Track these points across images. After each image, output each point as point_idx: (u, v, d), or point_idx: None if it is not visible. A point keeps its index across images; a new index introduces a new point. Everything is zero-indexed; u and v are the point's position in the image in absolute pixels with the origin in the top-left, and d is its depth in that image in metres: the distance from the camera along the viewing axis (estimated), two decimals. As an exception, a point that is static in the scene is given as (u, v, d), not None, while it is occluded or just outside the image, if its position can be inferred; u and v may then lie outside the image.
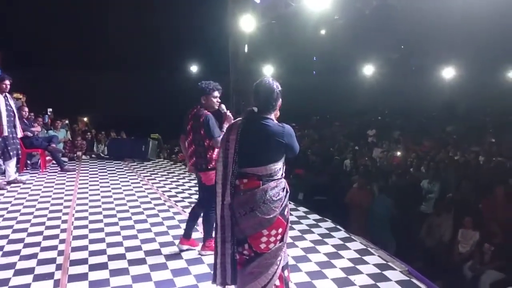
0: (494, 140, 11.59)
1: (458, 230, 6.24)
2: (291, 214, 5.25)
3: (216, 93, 3.91)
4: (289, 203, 5.80)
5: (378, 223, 6.84)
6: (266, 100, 2.67)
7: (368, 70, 18.27)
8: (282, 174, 2.70)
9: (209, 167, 3.81)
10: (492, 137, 11.91)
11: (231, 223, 2.62)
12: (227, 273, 2.64)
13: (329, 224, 5.11)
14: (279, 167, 2.66)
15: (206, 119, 3.79)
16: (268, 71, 15.89)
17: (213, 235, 3.87)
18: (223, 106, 3.95)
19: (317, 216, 5.39)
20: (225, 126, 3.86)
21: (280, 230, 2.63)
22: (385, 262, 3.99)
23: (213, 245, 3.83)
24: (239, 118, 2.79)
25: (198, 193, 4.20)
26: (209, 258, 3.83)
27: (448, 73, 16.49)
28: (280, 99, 2.74)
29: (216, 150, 3.82)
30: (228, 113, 3.90)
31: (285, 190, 2.68)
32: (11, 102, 6.63)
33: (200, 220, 4.11)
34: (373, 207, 7.05)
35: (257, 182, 2.59)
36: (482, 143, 11.36)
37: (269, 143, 2.60)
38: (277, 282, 2.66)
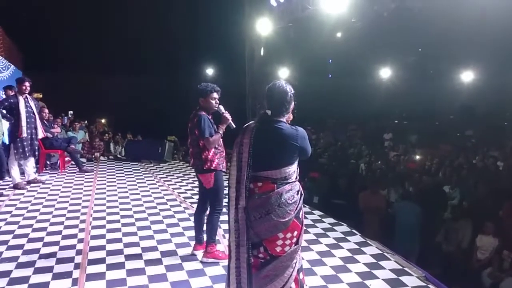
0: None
1: (477, 236, 6.14)
2: (306, 218, 5.28)
3: (215, 95, 3.90)
4: (304, 206, 5.82)
5: (405, 232, 6.62)
6: (279, 103, 2.67)
7: (385, 73, 18.10)
8: (296, 177, 2.70)
9: (204, 168, 3.80)
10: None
11: (246, 227, 2.60)
12: (242, 278, 2.62)
13: (344, 228, 5.08)
14: (293, 170, 2.66)
15: (199, 119, 3.79)
16: (283, 74, 15.86)
17: (216, 240, 3.92)
18: (221, 107, 3.96)
19: (332, 220, 5.36)
20: (222, 127, 3.90)
21: (295, 233, 2.63)
22: (401, 268, 3.95)
23: (216, 252, 3.86)
24: (252, 121, 2.78)
25: (199, 195, 4.20)
26: (215, 265, 3.85)
27: (467, 76, 16.24)
28: (293, 103, 2.74)
29: (212, 151, 3.82)
30: (226, 114, 3.92)
31: (299, 193, 2.67)
32: (32, 104, 6.77)
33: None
34: (398, 215, 6.86)
35: (271, 185, 2.59)
36: (502, 147, 11.14)
37: (283, 146, 2.60)
38: (293, 285, 2.65)
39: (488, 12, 8.20)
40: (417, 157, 10.71)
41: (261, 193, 2.59)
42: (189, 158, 4.08)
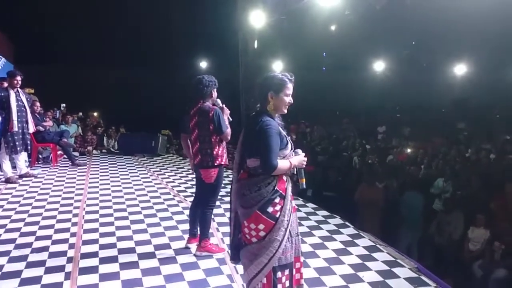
0: (509, 137, 11.42)
1: (469, 228, 6.20)
2: (299, 210, 5.30)
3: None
4: (297, 198, 5.84)
5: (411, 222, 6.78)
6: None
7: (379, 66, 18.13)
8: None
9: (215, 164, 3.77)
10: (506, 134, 11.74)
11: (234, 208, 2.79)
12: (230, 249, 2.86)
13: (337, 220, 5.10)
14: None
15: (216, 114, 3.74)
16: (277, 67, 15.83)
17: (209, 235, 3.93)
18: (219, 100, 3.96)
19: (325, 213, 5.38)
20: (226, 119, 3.88)
21: (261, 227, 2.57)
22: (393, 259, 3.98)
23: (209, 245, 3.89)
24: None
25: (195, 190, 4.16)
26: (208, 258, 3.86)
27: (460, 69, 16.32)
28: (281, 95, 2.71)
29: (222, 146, 3.81)
30: (225, 108, 3.92)
31: (270, 186, 2.58)
32: (23, 98, 6.70)
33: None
34: (405, 208, 6.95)
35: (245, 174, 2.69)
36: (494, 140, 11.22)
37: (250, 135, 2.69)
38: (264, 280, 2.60)
39: (481, 5, 8.22)
40: (409, 150, 10.76)
41: (238, 179, 2.73)
42: (191, 155, 3.95)
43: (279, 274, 2.63)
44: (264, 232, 2.58)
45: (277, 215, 2.59)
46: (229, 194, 2.89)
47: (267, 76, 2.72)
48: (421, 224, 6.80)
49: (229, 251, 2.93)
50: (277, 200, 2.58)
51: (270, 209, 2.58)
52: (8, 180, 6.55)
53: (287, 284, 2.68)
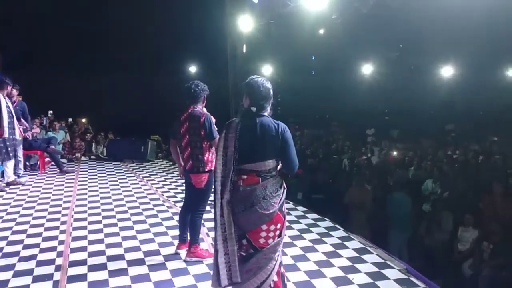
0: (496, 138, 11.59)
1: (458, 228, 6.26)
2: (289, 214, 5.32)
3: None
4: (288, 202, 5.85)
5: (399, 223, 6.78)
6: (262, 98, 2.75)
7: (367, 69, 18.24)
8: (279, 171, 2.77)
9: (206, 170, 3.75)
10: (493, 135, 11.91)
11: (232, 220, 2.65)
12: (233, 272, 2.63)
13: (327, 223, 5.11)
14: (276, 163, 2.73)
15: (207, 119, 3.74)
16: (267, 71, 15.86)
17: (199, 240, 3.90)
18: (204, 108, 3.96)
19: (316, 216, 5.39)
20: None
21: (278, 226, 2.69)
22: (383, 261, 4.00)
23: (199, 251, 3.84)
24: (235, 118, 2.84)
25: (185, 195, 4.12)
26: (198, 264, 3.82)
27: (447, 71, 16.49)
28: (272, 97, 2.81)
29: (212, 151, 3.80)
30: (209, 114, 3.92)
31: (282, 186, 2.74)
32: (10, 104, 6.66)
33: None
34: (390, 205, 6.98)
35: (256, 178, 2.65)
36: (482, 141, 11.37)
37: (265, 139, 2.67)
38: (275, 278, 2.69)
39: (468, 7, 8.33)
40: (397, 152, 10.85)
41: (245, 185, 2.65)
42: (181, 160, 3.91)
43: (282, 268, 2.77)
44: (279, 231, 2.69)
45: (285, 212, 2.74)
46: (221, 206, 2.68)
47: (266, 80, 2.79)
48: (410, 224, 6.83)
49: (229, 275, 2.63)
50: (284, 197, 2.73)
51: (283, 207, 2.72)
52: None
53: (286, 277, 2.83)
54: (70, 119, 12.71)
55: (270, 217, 2.63)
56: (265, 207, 2.60)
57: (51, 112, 12.11)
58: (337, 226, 5.01)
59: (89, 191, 6.60)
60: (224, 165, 2.68)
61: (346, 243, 4.45)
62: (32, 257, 4.02)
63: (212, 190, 2.94)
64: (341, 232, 4.79)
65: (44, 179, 7.42)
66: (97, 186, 6.95)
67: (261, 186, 2.63)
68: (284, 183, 2.77)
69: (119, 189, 6.77)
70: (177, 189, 6.84)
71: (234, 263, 2.64)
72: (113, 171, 8.26)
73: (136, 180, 7.49)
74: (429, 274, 3.94)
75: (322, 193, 8.15)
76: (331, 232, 4.77)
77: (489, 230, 5.89)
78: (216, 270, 2.68)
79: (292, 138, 2.75)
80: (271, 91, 2.79)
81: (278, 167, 2.76)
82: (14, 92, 6.92)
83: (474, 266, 5.70)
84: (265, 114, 2.76)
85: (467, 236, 6.12)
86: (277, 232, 2.69)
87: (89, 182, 7.21)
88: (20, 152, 7.05)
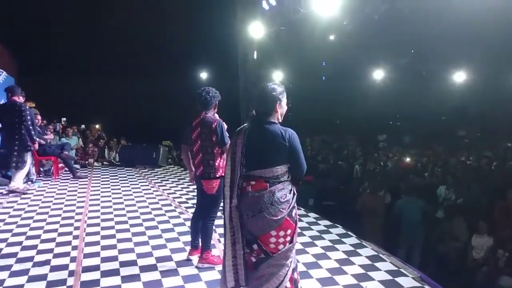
0: (510, 144, 11.42)
1: (472, 235, 6.17)
2: (301, 220, 5.29)
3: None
4: (299, 208, 5.82)
5: (410, 228, 6.75)
6: (265, 104, 2.76)
7: (378, 75, 18.17)
8: (288, 177, 2.76)
9: (217, 176, 3.75)
10: (507, 141, 11.75)
11: (239, 225, 2.68)
12: (240, 275, 2.70)
13: (340, 230, 5.08)
14: (285, 169, 2.73)
15: (219, 125, 3.74)
16: (277, 77, 15.89)
17: (211, 247, 3.88)
18: (216, 114, 3.97)
19: (327, 222, 5.36)
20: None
21: (288, 232, 2.68)
22: (397, 269, 3.95)
23: (211, 257, 3.83)
24: (245, 124, 2.86)
25: (196, 201, 4.12)
26: (210, 270, 3.81)
27: (459, 76, 16.34)
28: (280, 102, 2.78)
29: (223, 157, 3.79)
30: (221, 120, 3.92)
31: (292, 192, 2.74)
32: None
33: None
34: (403, 211, 6.93)
35: (264, 184, 2.67)
36: (496, 147, 11.23)
37: (273, 146, 2.68)
38: (288, 284, 2.68)
39: (479, 12, 8.27)
40: (410, 158, 10.76)
41: (254, 191, 2.67)
42: (193, 165, 3.91)
43: (295, 274, 2.76)
44: (290, 237, 2.68)
45: (296, 218, 2.73)
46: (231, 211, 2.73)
47: (273, 86, 2.78)
48: (421, 229, 6.77)
49: (236, 277, 2.69)
50: (295, 203, 2.73)
51: (293, 213, 2.71)
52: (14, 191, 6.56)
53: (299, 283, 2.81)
54: (83, 126, 12.88)
55: (279, 223, 2.63)
56: (273, 213, 2.61)
57: (64, 119, 12.28)
58: (349, 233, 4.97)
59: (102, 196, 6.65)
60: (232, 170, 2.73)
61: (358, 250, 4.41)
62: (46, 262, 4.05)
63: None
64: (353, 239, 4.75)
65: (57, 184, 7.51)
66: (109, 191, 7.01)
67: (269, 192, 2.64)
68: (294, 188, 2.77)
69: (131, 194, 6.81)
70: (188, 195, 6.86)
71: (241, 267, 2.68)
72: (126, 177, 8.32)
73: (148, 185, 7.53)
74: (442, 282, 3.89)
75: (333, 199, 8.10)
76: (343, 239, 4.74)
77: (504, 237, 5.80)
78: (223, 272, 2.76)
79: (300, 144, 2.75)
80: (270, 95, 2.74)
81: (288, 174, 2.75)
82: (21, 99, 6.95)
83: (489, 274, 5.61)
84: (273, 120, 2.76)
85: (482, 243, 6.03)
86: (288, 238, 2.68)
87: (101, 188, 7.27)
88: (29, 158, 7.08)
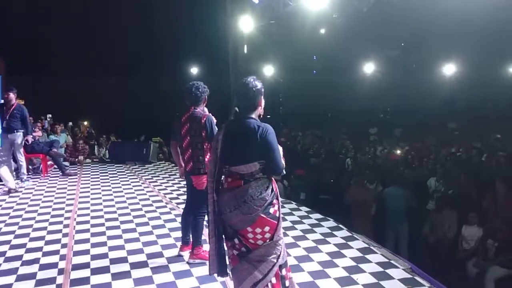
0: (499, 135, 11.52)
1: (462, 226, 6.22)
2: (292, 214, 5.29)
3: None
4: (291, 202, 5.83)
5: (394, 216, 6.84)
6: (245, 99, 2.74)
7: (369, 68, 18.19)
8: (264, 174, 2.68)
9: (206, 171, 3.73)
10: (496, 133, 11.84)
11: (218, 219, 2.72)
12: (215, 264, 2.78)
13: (331, 223, 5.09)
14: (260, 166, 2.65)
15: (208, 120, 3.72)
16: (268, 71, 15.85)
17: (202, 242, 3.87)
18: (206, 108, 3.94)
19: (319, 216, 5.38)
20: None
21: (266, 229, 2.64)
22: (388, 261, 3.98)
23: (202, 252, 3.83)
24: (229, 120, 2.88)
25: (186, 197, 4.12)
26: (201, 265, 3.80)
27: (449, 69, 16.42)
28: (261, 98, 2.77)
29: None
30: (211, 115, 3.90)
31: (269, 189, 2.67)
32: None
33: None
34: (387, 203, 6.99)
35: (239, 181, 2.65)
36: (486, 138, 11.31)
37: (246, 142, 2.64)
38: (274, 280, 2.67)
39: (468, 4, 8.30)
40: (400, 150, 10.81)
41: (229, 188, 2.68)
42: (182, 161, 3.90)
43: (284, 271, 2.73)
44: (269, 234, 2.65)
45: (277, 215, 2.69)
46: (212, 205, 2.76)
47: (255, 82, 2.75)
48: (404, 217, 6.83)
49: (213, 265, 2.79)
50: (274, 201, 2.68)
51: (271, 210, 2.66)
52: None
53: (291, 279, 2.79)
54: (70, 123, 12.71)
55: (253, 220, 2.61)
56: (246, 210, 2.59)
57: (49, 115, 12.13)
58: (340, 226, 4.99)
59: (92, 193, 6.60)
60: (214, 166, 2.75)
61: (350, 243, 4.43)
62: (35, 260, 4.02)
63: None
64: (344, 232, 4.77)
65: (46, 182, 7.43)
66: (99, 188, 6.96)
67: (243, 189, 2.61)
68: (273, 185, 2.71)
69: (122, 191, 6.77)
70: (179, 190, 6.84)
71: (215, 257, 2.76)
72: (116, 174, 8.26)
73: (138, 182, 7.48)
74: (433, 273, 3.91)
75: (325, 193, 8.11)
76: (334, 232, 4.75)
77: (493, 228, 5.85)
78: (209, 261, 2.83)
79: (275, 140, 2.66)
80: (251, 91, 2.71)
81: (261, 171, 2.67)
82: (12, 95, 6.91)
83: (479, 264, 5.66)
84: (253, 116, 2.72)
85: (472, 234, 6.07)
86: (267, 235, 2.64)
87: (91, 185, 7.21)
88: (21, 157, 7.05)
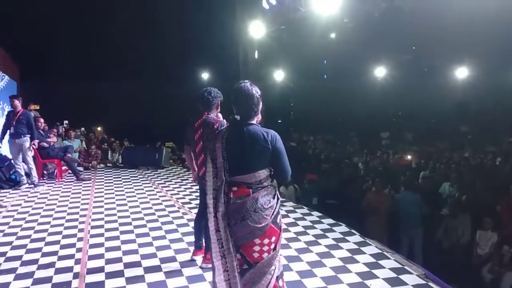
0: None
1: (476, 232, 6.15)
2: (304, 219, 5.28)
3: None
4: (302, 207, 5.82)
5: (408, 222, 6.85)
6: (247, 106, 2.62)
7: (380, 72, 18.13)
8: (271, 181, 2.63)
9: None
10: (510, 136, 11.69)
11: (228, 234, 2.53)
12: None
13: (343, 228, 5.07)
14: (268, 174, 2.59)
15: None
16: (278, 76, 15.89)
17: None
18: (220, 114, 3.96)
19: (331, 221, 5.35)
20: None
21: (273, 239, 2.56)
22: (401, 266, 3.94)
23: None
24: (225, 127, 2.77)
25: (199, 201, 4.12)
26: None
27: (461, 73, 16.30)
28: (261, 103, 2.68)
29: None
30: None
31: (276, 197, 2.60)
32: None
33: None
34: (400, 208, 7.01)
35: (247, 190, 2.52)
36: (499, 142, 11.18)
37: (254, 149, 2.54)
38: None
39: (478, 8, 8.25)
40: (413, 154, 10.74)
41: (236, 198, 2.53)
42: (195, 166, 3.90)
43: (280, 282, 2.65)
44: (274, 244, 2.57)
45: (280, 224, 2.63)
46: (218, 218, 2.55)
47: (255, 88, 2.67)
48: (419, 223, 6.81)
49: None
50: (280, 209, 2.63)
51: (278, 219, 2.60)
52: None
53: None
54: (82, 128, 12.87)
55: (263, 231, 2.51)
56: (257, 220, 2.48)
57: (66, 122, 12.30)
58: (353, 231, 4.96)
59: (106, 198, 6.67)
60: (215, 177, 2.58)
61: (362, 248, 4.41)
62: (51, 264, 4.06)
63: None
64: (357, 237, 4.74)
65: (61, 187, 7.53)
66: (113, 193, 7.03)
67: (252, 198, 2.50)
68: (278, 193, 2.65)
69: (135, 196, 6.83)
70: (192, 195, 6.87)
71: (235, 280, 2.52)
72: (129, 178, 8.34)
73: (151, 187, 7.55)
74: (447, 279, 3.87)
75: (337, 198, 8.09)
76: (347, 237, 4.73)
77: (508, 233, 5.78)
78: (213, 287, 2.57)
79: (283, 146, 2.60)
80: (255, 97, 2.62)
81: (269, 178, 2.60)
82: (17, 103, 7.13)
83: (493, 271, 5.59)
84: (253, 122, 2.63)
85: (486, 239, 6.00)
86: (272, 246, 2.56)
87: (105, 190, 7.29)
88: (30, 160, 7.19)
